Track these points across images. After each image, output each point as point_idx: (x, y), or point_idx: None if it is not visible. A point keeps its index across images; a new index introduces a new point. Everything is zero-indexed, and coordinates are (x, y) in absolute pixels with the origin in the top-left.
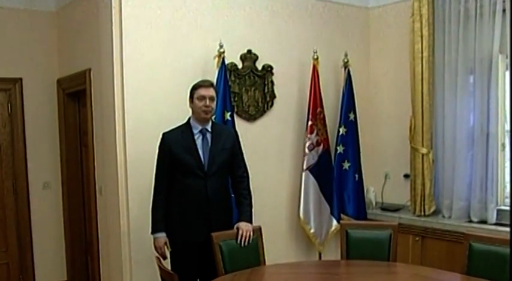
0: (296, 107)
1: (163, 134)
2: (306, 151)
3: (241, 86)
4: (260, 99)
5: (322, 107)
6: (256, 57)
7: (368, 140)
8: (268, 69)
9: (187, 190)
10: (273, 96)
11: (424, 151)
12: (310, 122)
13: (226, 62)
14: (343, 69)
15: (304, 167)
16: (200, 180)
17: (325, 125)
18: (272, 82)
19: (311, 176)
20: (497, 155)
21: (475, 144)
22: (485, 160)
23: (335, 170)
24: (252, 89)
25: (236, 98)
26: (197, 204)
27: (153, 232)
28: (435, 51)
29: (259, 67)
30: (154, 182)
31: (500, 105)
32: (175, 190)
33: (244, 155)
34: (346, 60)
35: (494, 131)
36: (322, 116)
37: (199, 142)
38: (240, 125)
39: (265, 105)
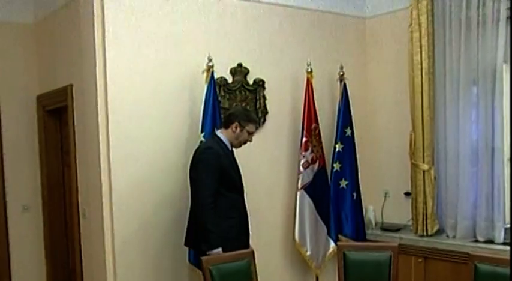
0: (290, 122)
1: (212, 148)
2: (301, 169)
3: (232, 102)
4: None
5: (317, 122)
6: (247, 71)
7: (366, 157)
8: (259, 84)
9: (233, 204)
10: (265, 112)
11: (425, 167)
12: (304, 139)
13: (216, 76)
14: (338, 82)
15: (299, 186)
16: (240, 196)
17: (320, 142)
18: (264, 97)
19: (306, 196)
20: (503, 170)
21: (480, 159)
22: (490, 175)
23: (332, 189)
24: (243, 104)
25: None
26: (241, 218)
27: (213, 248)
28: (435, 62)
29: (251, 81)
30: (203, 197)
31: (505, 117)
32: (222, 204)
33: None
34: (341, 73)
35: (499, 145)
36: (317, 132)
37: (232, 160)
38: None
39: (257, 122)
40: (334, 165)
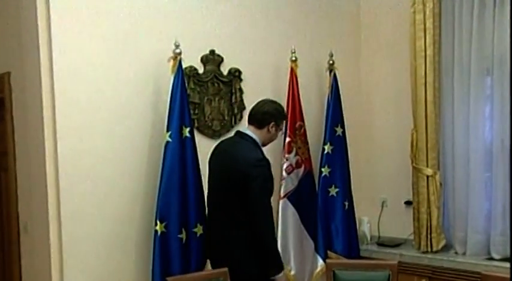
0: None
1: (265, 159)
2: (284, 174)
3: (203, 95)
4: (226, 112)
5: (302, 120)
6: (221, 60)
7: (360, 160)
8: (235, 74)
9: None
10: (242, 108)
11: (429, 172)
12: (288, 139)
13: (184, 65)
14: (328, 72)
15: (282, 193)
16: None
17: (306, 142)
18: (241, 90)
19: (290, 205)
20: None
21: (494, 163)
22: (508, 182)
23: (320, 197)
24: (216, 98)
25: (197, 110)
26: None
27: (282, 269)
28: (442, 49)
29: (225, 72)
30: (266, 220)
31: None
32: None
33: (208, 181)
34: (331, 61)
35: None
36: (302, 131)
37: None
38: (202, 143)
39: (233, 119)
40: (323, 169)
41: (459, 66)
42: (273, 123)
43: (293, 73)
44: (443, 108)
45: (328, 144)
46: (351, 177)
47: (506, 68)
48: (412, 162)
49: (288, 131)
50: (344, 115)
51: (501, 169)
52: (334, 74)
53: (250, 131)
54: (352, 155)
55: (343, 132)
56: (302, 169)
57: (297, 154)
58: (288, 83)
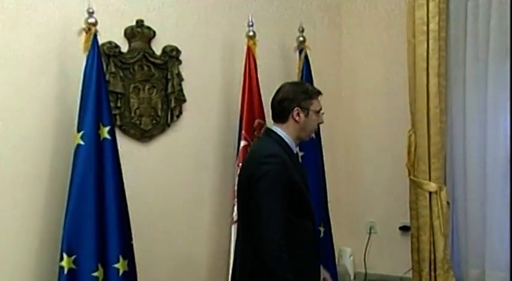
0: (220, 117)
1: (277, 155)
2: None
3: (128, 83)
4: (160, 105)
5: (263, 117)
6: (152, 34)
7: (340, 171)
8: (172, 55)
9: (307, 237)
10: (182, 100)
11: (432, 187)
12: (243, 143)
13: (101, 41)
14: (297, 53)
15: (235, 216)
16: (312, 223)
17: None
18: (179, 76)
19: None
20: None
21: None
22: None
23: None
24: (146, 87)
25: (119, 103)
26: (317, 258)
27: None
28: (450, 21)
29: (158, 51)
30: (269, 231)
31: None
32: (292, 238)
33: (132, 197)
34: (301, 38)
35: None
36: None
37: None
38: (126, 147)
39: (169, 115)
40: None
41: (473, 46)
42: (296, 108)
43: (250, 54)
44: (452, 101)
45: (297, 150)
46: (328, 194)
47: None
48: (410, 174)
49: (243, 132)
50: None
51: None
52: (306, 56)
53: (276, 127)
54: (329, 165)
55: (317, 134)
56: None
57: None
58: (243, 68)
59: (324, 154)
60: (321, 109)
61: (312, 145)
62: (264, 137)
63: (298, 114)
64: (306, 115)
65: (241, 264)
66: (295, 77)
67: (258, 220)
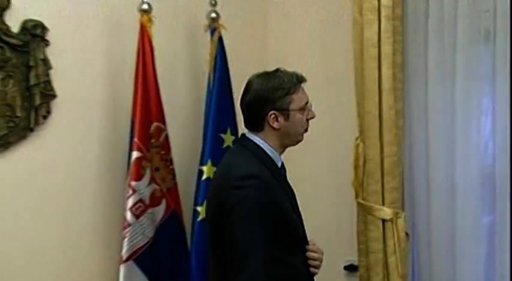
0: (103, 120)
1: (256, 175)
2: (128, 217)
3: None
4: (19, 102)
5: (162, 119)
6: (6, 3)
7: None
8: (35, 33)
9: (299, 279)
10: (50, 95)
11: (386, 213)
12: (136, 154)
13: None
14: (208, 34)
15: (124, 253)
16: (303, 258)
17: (170, 160)
18: (46, 63)
19: (140, 272)
20: None
21: (500, 197)
22: None
23: (194, 258)
24: None
25: None
26: None
27: None
28: None
29: (15, 27)
30: (251, 274)
31: None
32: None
33: None
34: (214, 14)
35: None
36: (163, 139)
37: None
38: None
39: (32, 116)
40: (199, 208)
41: (437, 26)
42: (272, 113)
43: (144, 34)
44: (411, 100)
45: (209, 163)
46: None
47: None
48: (357, 196)
49: (135, 140)
50: (238, 112)
51: (509, 208)
52: (220, 38)
53: (254, 136)
54: None
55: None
56: (162, 207)
57: (152, 180)
58: (135, 53)
59: None
60: (307, 102)
61: None
62: (237, 149)
63: (275, 119)
64: (287, 118)
65: None
66: (205, 68)
67: (234, 261)
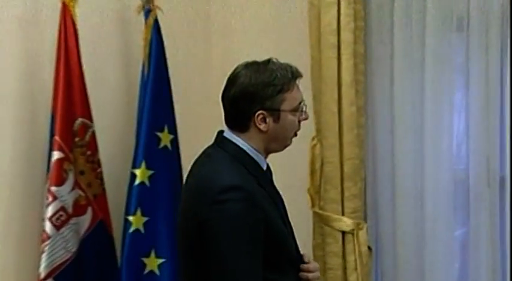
0: (17, 114)
1: (240, 186)
2: (47, 228)
3: None
4: None
5: (88, 115)
6: None
7: None
8: None
9: None
10: None
11: (346, 224)
12: (56, 155)
13: None
14: (142, 15)
15: (42, 270)
16: (297, 277)
17: (97, 162)
18: None
19: None
20: None
21: (474, 207)
22: (497, 242)
23: (125, 276)
24: None
25: None
26: None
27: None
28: None
29: None
30: None
31: None
32: None
33: None
34: None
35: None
36: (89, 138)
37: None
38: None
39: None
40: (131, 218)
41: (404, 11)
42: (260, 113)
43: (67, 14)
44: (375, 96)
45: (143, 166)
46: None
47: (496, 19)
48: (313, 205)
49: (56, 138)
50: (177, 108)
51: (486, 219)
52: (156, 21)
53: (236, 137)
54: None
55: (175, 142)
56: (87, 216)
57: (76, 185)
58: (56, 37)
59: (183, 173)
60: (301, 102)
61: (167, 161)
62: (215, 152)
63: (263, 120)
64: (276, 120)
65: None
66: (139, 55)
67: None
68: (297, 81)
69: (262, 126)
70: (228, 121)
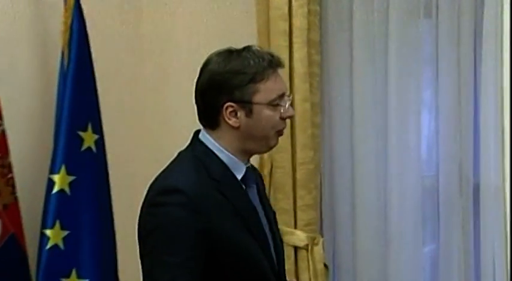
0: None
1: (181, 190)
2: None
3: None
4: None
5: None
6: None
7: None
8: None
9: None
10: None
11: (300, 238)
12: None
13: None
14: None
15: None
16: None
17: (8, 166)
18: None
19: None
20: (505, 245)
21: (444, 221)
22: (470, 261)
23: None
24: None
25: None
26: None
27: None
28: None
29: None
30: None
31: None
32: None
33: None
34: None
35: (497, 182)
36: None
37: (256, 202)
38: None
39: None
40: (49, 232)
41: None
42: (228, 105)
43: None
44: (332, 92)
45: (63, 171)
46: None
47: (469, 5)
48: None
49: None
50: (102, 103)
51: (458, 233)
52: (77, 3)
53: (208, 136)
54: (119, 196)
55: (100, 142)
56: None
57: None
58: None
59: (110, 179)
60: (283, 94)
61: (91, 165)
62: (184, 152)
63: (233, 113)
64: (249, 114)
65: None
66: (57, 38)
67: None
68: (277, 72)
69: (232, 121)
70: (200, 118)
